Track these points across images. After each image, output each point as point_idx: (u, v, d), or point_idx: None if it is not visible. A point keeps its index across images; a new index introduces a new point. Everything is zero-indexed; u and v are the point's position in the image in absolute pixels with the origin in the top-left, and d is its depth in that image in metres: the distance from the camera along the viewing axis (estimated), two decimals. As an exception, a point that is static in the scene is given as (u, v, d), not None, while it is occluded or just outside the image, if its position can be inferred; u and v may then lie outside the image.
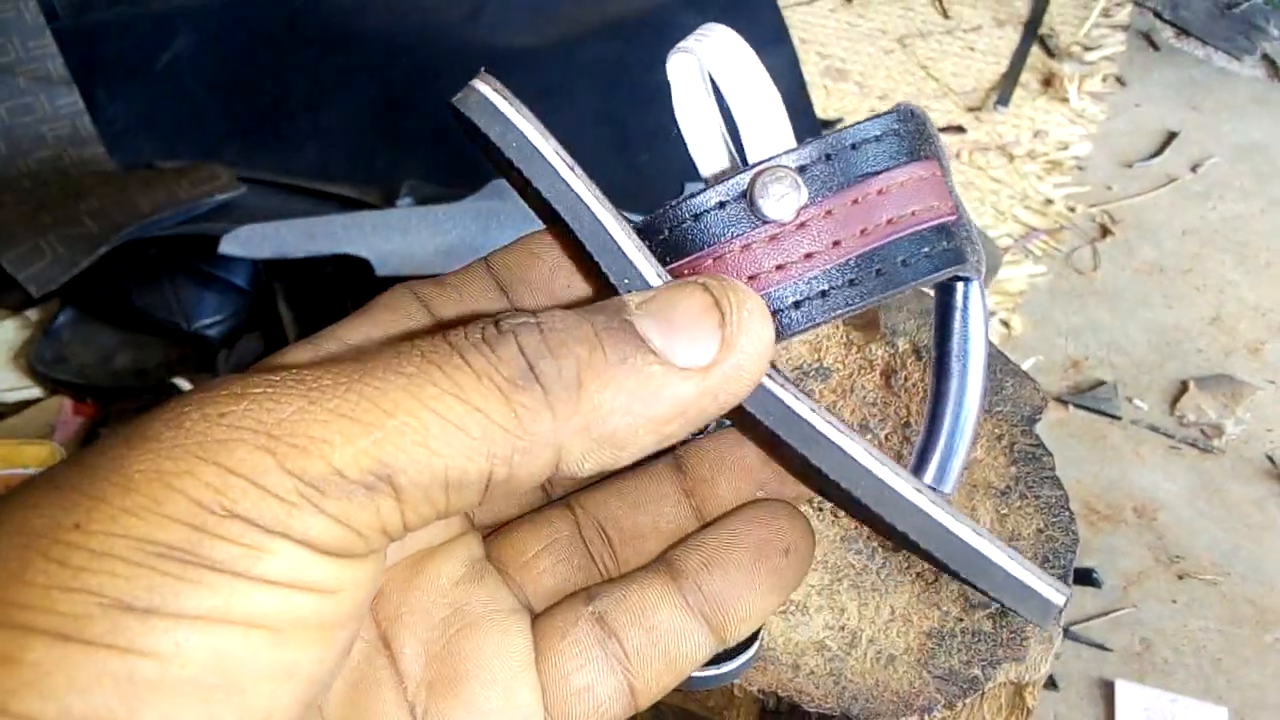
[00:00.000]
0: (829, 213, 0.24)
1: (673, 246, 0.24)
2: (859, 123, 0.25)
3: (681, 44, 0.27)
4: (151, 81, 1.31)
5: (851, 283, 0.24)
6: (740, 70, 0.26)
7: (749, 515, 0.27)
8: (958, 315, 0.27)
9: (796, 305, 0.24)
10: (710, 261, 0.24)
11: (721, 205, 0.24)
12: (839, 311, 0.24)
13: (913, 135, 0.25)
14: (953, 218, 0.25)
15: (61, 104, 1.26)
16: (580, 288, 0.26)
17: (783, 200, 0.24)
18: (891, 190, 0.24)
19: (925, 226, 0.24)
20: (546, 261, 0.27)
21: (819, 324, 0.24)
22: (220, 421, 0.19)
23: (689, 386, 0.21)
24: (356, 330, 0.25)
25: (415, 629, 0.25)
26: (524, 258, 0.27)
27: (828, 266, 0.24)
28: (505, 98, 0.25)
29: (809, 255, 0.24)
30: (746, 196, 0.24)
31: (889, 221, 0.24)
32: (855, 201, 0.24)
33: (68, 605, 0.18)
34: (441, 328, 0.25)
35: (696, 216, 0.24)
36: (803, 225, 0.24)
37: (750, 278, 0.24)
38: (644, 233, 0.25)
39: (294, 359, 0.24)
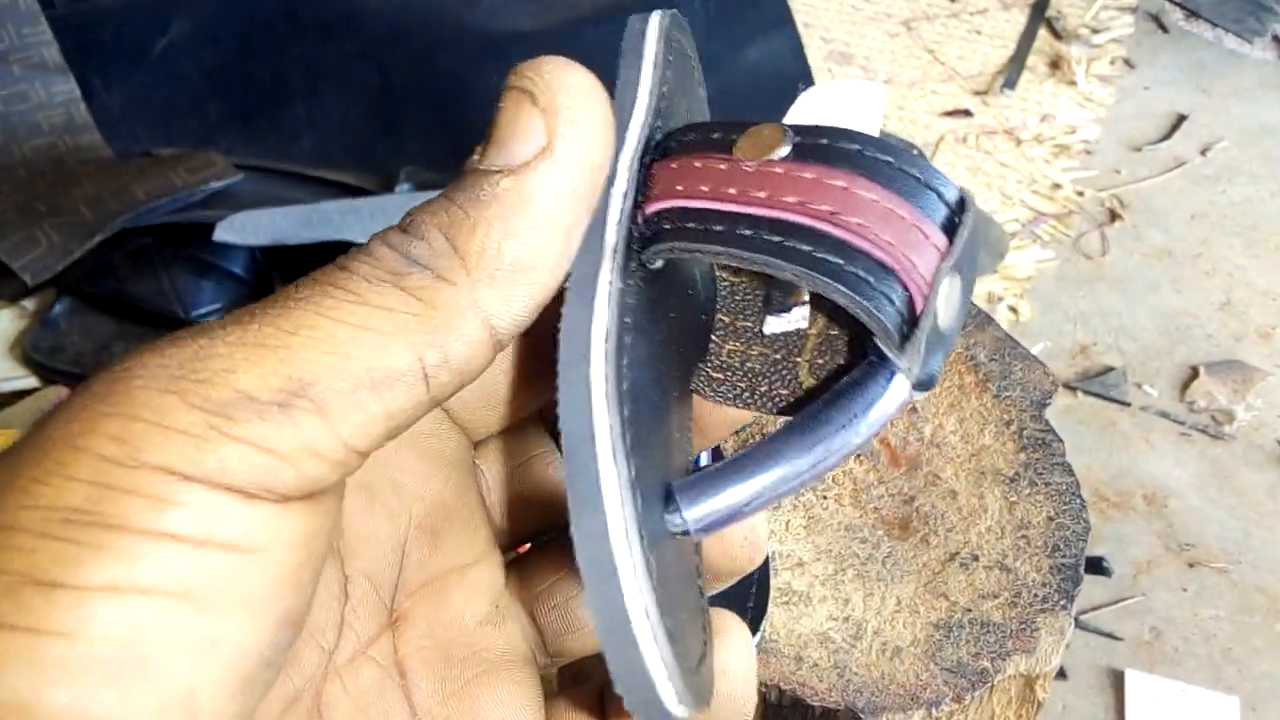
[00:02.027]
0: (780, 172, 0.22)
1: (659, 148, 0.24)
2: (907, 149, 0.23)
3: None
4: (148, 68, 1.30)
5: (743, 235, 0.22)
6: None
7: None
8: (859, 399, 0.22)
9: (683, 224, 0.22)
10: (669, 163, 0.23)
11: (713, 132, 0.23)
12: (710, 249, 0.22)
13: (929, 186, 0.22)
14: (899, 272, 0.21)
15: (57, 91, 1.25)
16: None
17: (755, 149, 0.22)
18: (857, 196, 0.22)
19: (863, 245, 0.21)
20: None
21: (689, 250, 0.22)
22: (123, 376, 0.18)
23: (541, 175, 0.21)
24: None
25: (434, 664, 0.25)
26: None
27: (738, 209, 0.22)
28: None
29: (733, 191, 0.22)
30: (736, 139, 0.23)
31: (830, 212, 0.22)
32: (813, 179, 0.22)
33: None
34: None
35: (694, 129, 0.24)
36: (751, 171, 0.22)
37: (678, 187, 0.22)
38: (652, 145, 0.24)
39: None
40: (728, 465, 0.22)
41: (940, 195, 0.22)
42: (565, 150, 0.21)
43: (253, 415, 0.18)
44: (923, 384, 0.22)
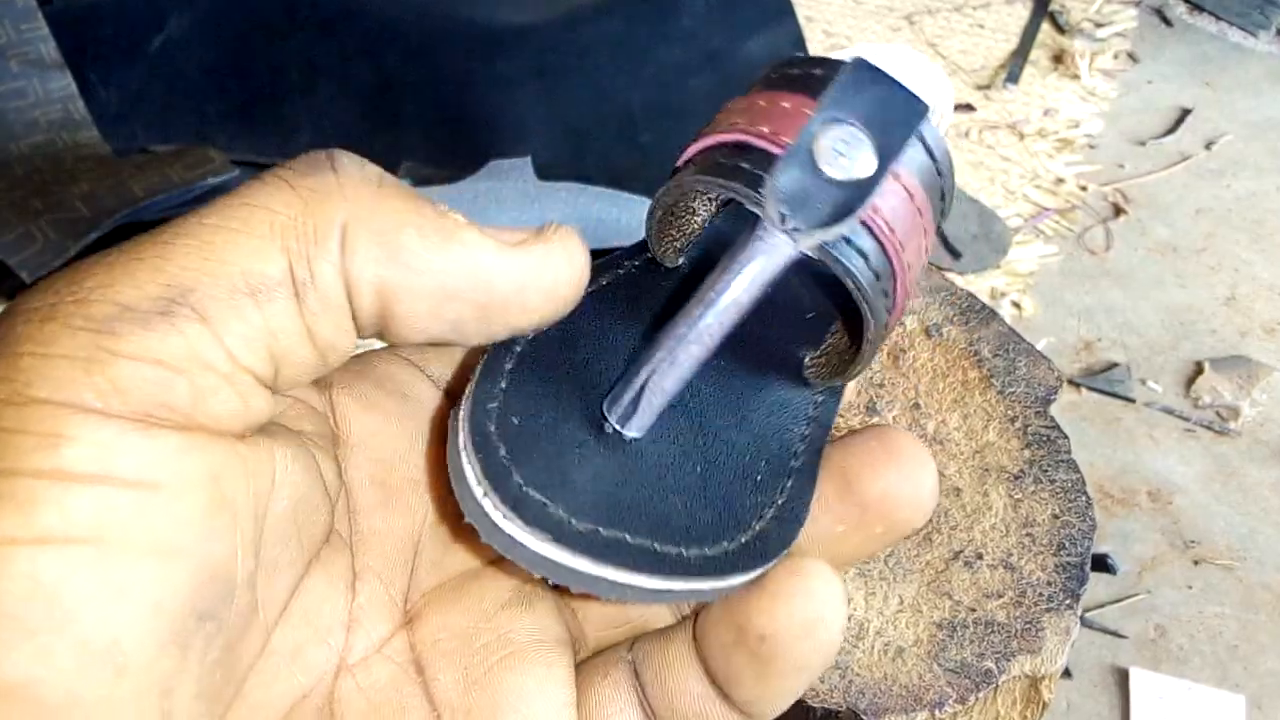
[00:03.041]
0: (762, 103, 0.25)
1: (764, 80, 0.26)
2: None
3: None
4: (145, 65, 1.29)
5: (718, 163, 0.25)
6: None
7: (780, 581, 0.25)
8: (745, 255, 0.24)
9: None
10: (754, 95, 0.26)
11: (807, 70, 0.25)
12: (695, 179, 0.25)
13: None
14: (761, 145, 0.24)
15: (54, 88, 1.24)
16: None
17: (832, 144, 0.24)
18: (780, 109, 0.24)
19: (754, 141, 0.24)
20: None
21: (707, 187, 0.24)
22: (9, 315, 0.18)
23: (491, 250, 0.21)
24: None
25: (454, 655, 0.24)
26: None
27: (718, 140, 0.25)
28: None
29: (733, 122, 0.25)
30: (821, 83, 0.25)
31: (767, 131, 0.25)
32: (765, 104, 0.25)
33: None
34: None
35: (789, 73, 0.26)
36: (745, 104, 0.25)
37: (740, 121, 0.25)
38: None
39: None
40: (636, 363, 0.24)
41: (821, 72, 0.25)
42: (526, 253, 0.21)
43: (136, 326, 0.17)
44: (799, 223, 0.23)
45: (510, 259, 0.21)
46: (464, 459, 0.22)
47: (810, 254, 0.23)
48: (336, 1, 1.32)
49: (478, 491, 0.22)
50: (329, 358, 0.20)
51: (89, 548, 0.16)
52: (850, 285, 0.23)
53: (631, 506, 0.23)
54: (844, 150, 0.23)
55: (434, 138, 1.24)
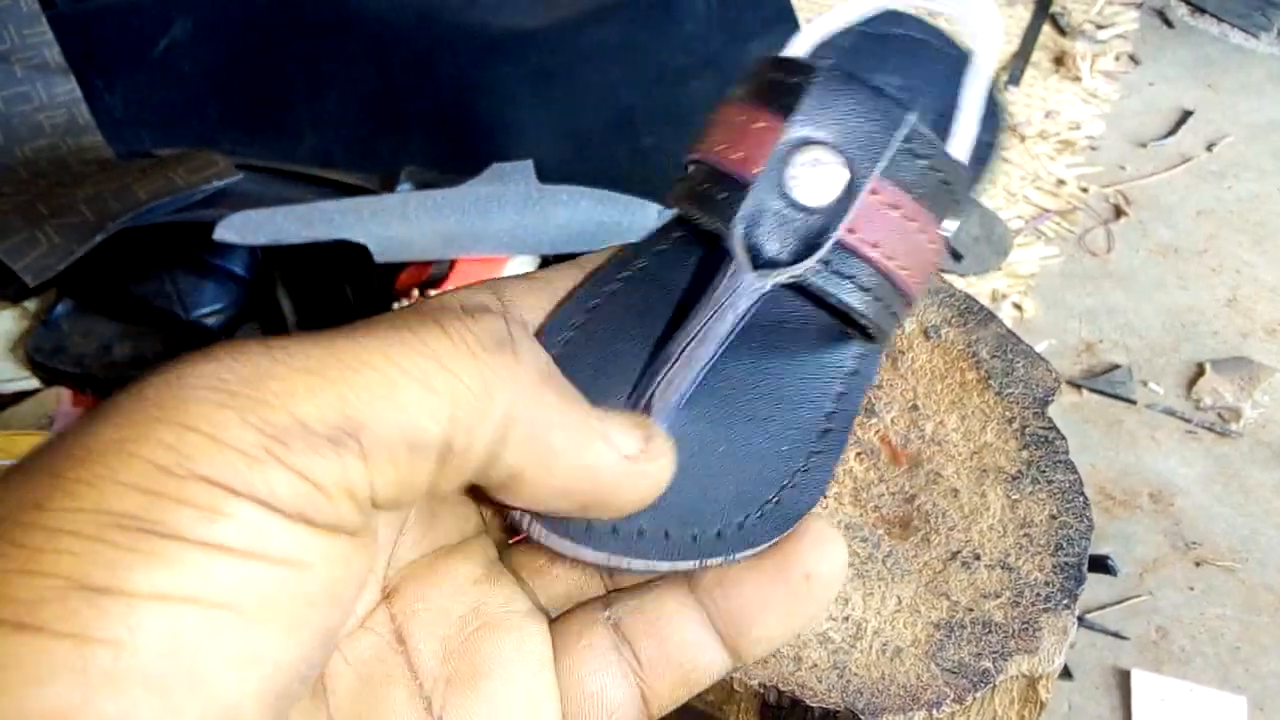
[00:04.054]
0: (741, 118, 0.26)
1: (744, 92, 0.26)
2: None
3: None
4: (149, 69, 1.30)
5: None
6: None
7: None
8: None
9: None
10: (736, 106, 0.26)
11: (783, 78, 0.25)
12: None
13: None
14: (734, 175, 0.25)
15: (58, 92, 1.25)
16: None
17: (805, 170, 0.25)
18: (749, 130, 0.25)
19: (730, 169, 0.25)
20: None
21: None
22: (180, 384, 0.19)
23: (612, 458, 0.23)
24: None
25: (433, 625, 0.25)
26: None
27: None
28: None
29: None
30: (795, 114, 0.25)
31: (740, 157, 0.25)
32: (743, 120, 0.25)
33: (23, 590, 0.17)
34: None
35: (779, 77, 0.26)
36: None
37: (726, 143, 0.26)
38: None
39: None
40: (642, 377, 0.26)
41: (790, 81, 0.24)
42: (639, 468, 0.23)
43: (306, 446, 0.18)
44: (769, 260, 0.23)
45: (627, 471, 0.23)
46: None
47: (789, 284, 0.24)
48: (340, 7, 1.32)
49: None
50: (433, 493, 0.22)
51: (231, 614, 0.17)
52: (840, 308, 0.24)
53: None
54: (814, 173, 0.23)
55: (436, 141, 1.25)
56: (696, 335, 0.24)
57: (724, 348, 0.25)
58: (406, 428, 0.19)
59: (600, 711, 0.25)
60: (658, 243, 0.29)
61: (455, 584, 0.26)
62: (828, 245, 0.23)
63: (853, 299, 0.24)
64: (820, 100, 0.24)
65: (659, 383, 0.25)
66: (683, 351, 0.25)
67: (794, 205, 0.23)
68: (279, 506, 0.18)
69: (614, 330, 0.26)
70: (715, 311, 0.24)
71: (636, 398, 0.25)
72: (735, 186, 0.24)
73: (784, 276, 0.23)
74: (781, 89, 0.24)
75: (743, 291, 0.24)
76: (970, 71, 0.26)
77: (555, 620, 0.26)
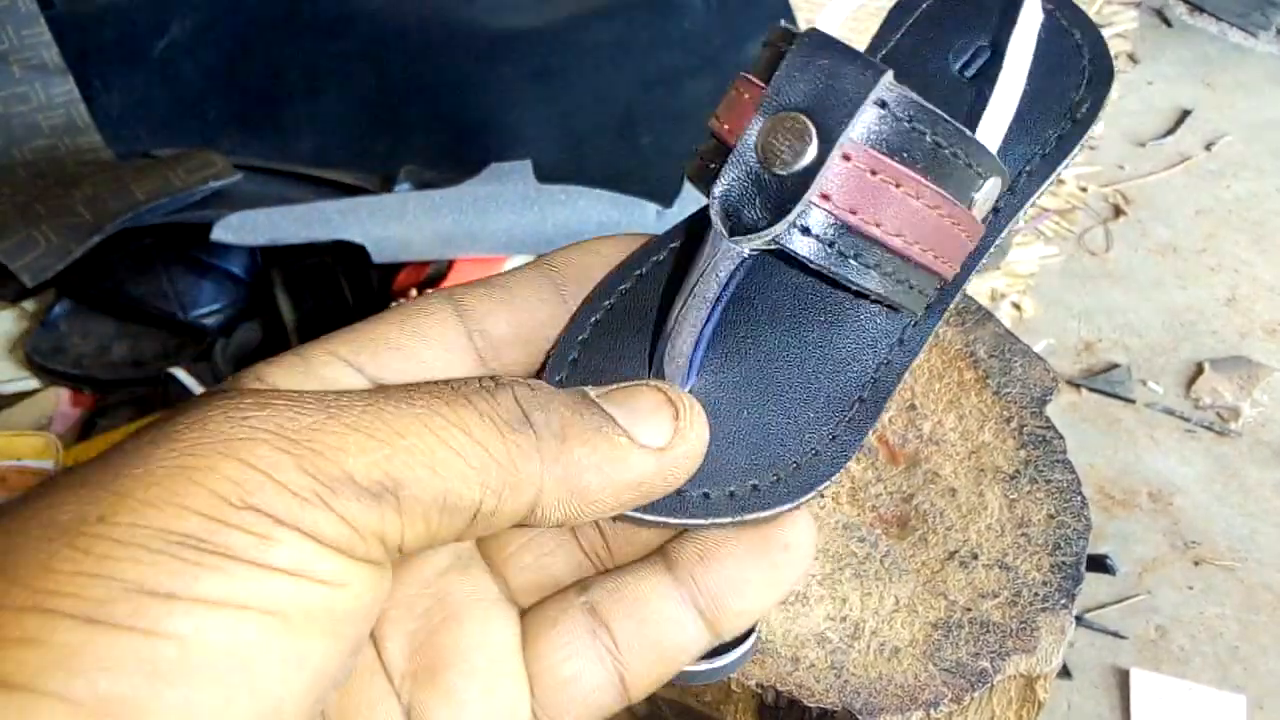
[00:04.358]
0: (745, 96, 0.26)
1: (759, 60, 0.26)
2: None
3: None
4: (147, 69, 1.30)
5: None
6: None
7: None
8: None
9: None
10: (739, 81, 0.26)
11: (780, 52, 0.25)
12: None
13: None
14: (723, 136, 0.25)
15: (57, 92, 1.24)
16: None
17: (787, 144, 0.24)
18: (742, 102, 0.25)
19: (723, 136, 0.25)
20: (610, 261, 0.28)
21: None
22: (243, 424, 0.21)
23: (649, 461, 0.24)
24: (373, 335, 0.26)
25: (399, 621, 0.26)
26: (588, 257, 0.29)
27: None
28: None
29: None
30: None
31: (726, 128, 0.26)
32: (735, 96, 0.26)
33: (93, 590, 0.18)
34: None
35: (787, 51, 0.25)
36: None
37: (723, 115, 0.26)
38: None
39: (277, 372, 0.25)
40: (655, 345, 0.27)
41: (778, 50, 0.24)
42: (672, 458, 0.25)
43: (352, 497, 0.21)
44: (742, 228, 0.24)
45: (664, 462, 0.24)
46: None
47: (766, 249, 0.24)
48: (338, 6, 1.32)
49: None
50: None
51: (280, 621, 0.20)
52: (810, 265, 0.24)
53: None
54: (787, 141, 0.23)
55: (435, 141, 1.25)
56: (686, 301, 0.25)
57: (723, 310, 0.25)
58: (440, 491, 0.22)
59: (576, 695, 0.26)
60: (679, 234, 0.29)
61: (421, 577, 0.26)
62: (796, 210, 0.23)
63: (864, 280, 0.24)
64: (796, 67, 0.24)
65: (663, 353, 0.26)
66: (676, 318, 0.25)
67: (770, 172, 0.24)
68: (322, 540, 0.20)
69: (634, 316, 0.27)
70: (699, 277, 0.25)
71: (651, 373, 0.27)
72: (720, 154, 0.25)
73: (759, 242, 0.24)
74: (772, 59, 0.24)
75: (722, 257, 0.24)
76: (1019, 17, 0.26)
77: (532, 607, 0.27)
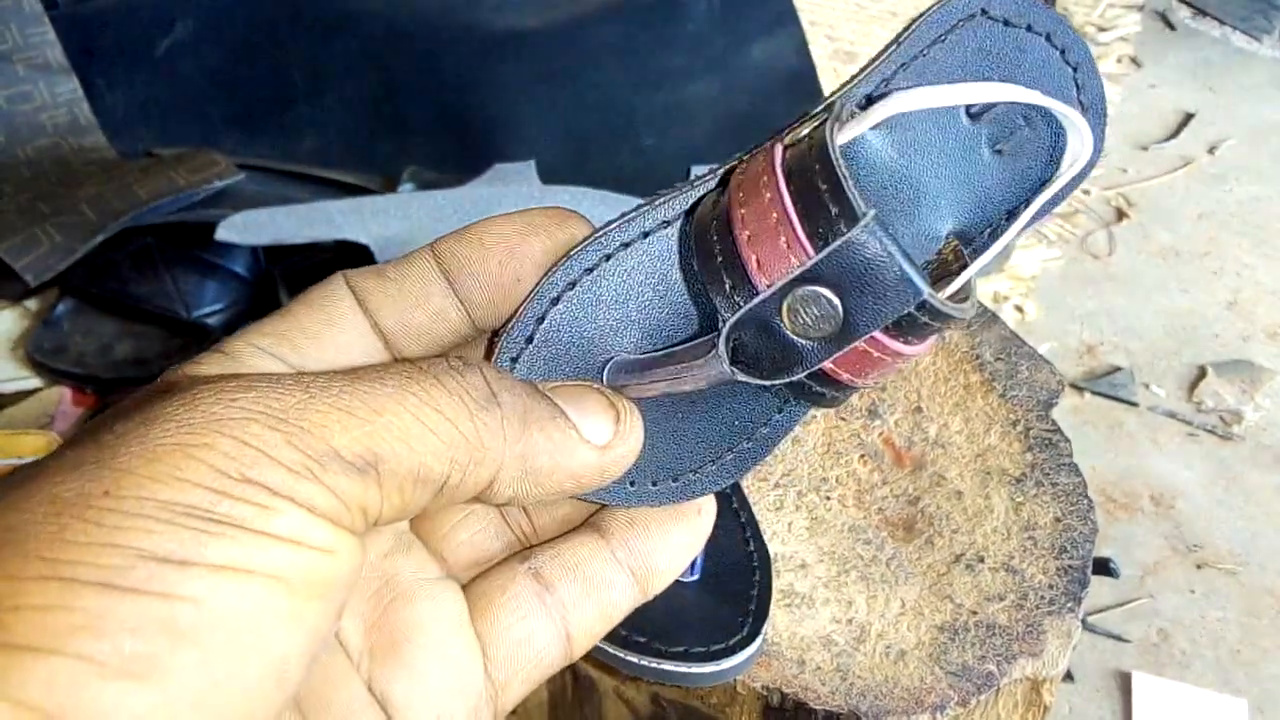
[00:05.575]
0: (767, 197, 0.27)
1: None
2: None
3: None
4: (151, 69, 1.30)
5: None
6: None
7: None
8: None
9: None
10: (774, 188, 0.26)
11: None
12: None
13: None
14: (750, 274, 0.27)
15: (60, 92, 1.25)
16: (530, 282, 0.29)
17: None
18: (769, 221, 0.25)
19: (744, 255, 0.26)
20: (496, 255, 0.29)
21: None
22: (234, 405, 0.22)
23: (591, 455, 0.27)
24: (289, 325, 0.28)
25: (352, 604, 0.27)
26: (474, 249, 0.29)
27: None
28: None
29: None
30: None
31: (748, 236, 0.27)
32: (762, 202, 0.27)
33: (110, 559, 0.20)
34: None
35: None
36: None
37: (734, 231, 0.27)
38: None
39: (206, 369, 0.26)
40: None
41: (830, 212, 0.24)
42: (610, 457, 0.27)
43: (338, 471, 0.22)
44: (744, 366, 0.26)
45: (603, 458, 0.27)
46: None
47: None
48: (341, 7, 1.32)
49: None
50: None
51: (283, 584, 0.21)
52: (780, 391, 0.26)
53: None
54: (813, 315, 0.25)
55: (438, 142, 1.25)
56: (661, 378, 0.28)
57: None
58: (415, 465, 0.24)
59: (528, 654, 0.28)
60: (654, 223, 0.30)
61: (367, 563, 0.28)
62: (801, 375, 0.26)
63: (793, 390, 0.27)
64: (845, 253, 0.24)
65: (621, 387, 0.29)
66: (645, 382, 0.28)
67: (786, 328, 0.25)
68: (315, 510, 0.22)
69: (601, 303, 0.29)
70: (681, 373, 0.28)
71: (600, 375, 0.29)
72: (743, 281, 0.26)
73: (751, 382, 0.26)
74: (820, 213, 0.24)
75: (711, 375, 0.27)
76: (1049, 185, 0.26)
77: (475, 579, 0.29)
